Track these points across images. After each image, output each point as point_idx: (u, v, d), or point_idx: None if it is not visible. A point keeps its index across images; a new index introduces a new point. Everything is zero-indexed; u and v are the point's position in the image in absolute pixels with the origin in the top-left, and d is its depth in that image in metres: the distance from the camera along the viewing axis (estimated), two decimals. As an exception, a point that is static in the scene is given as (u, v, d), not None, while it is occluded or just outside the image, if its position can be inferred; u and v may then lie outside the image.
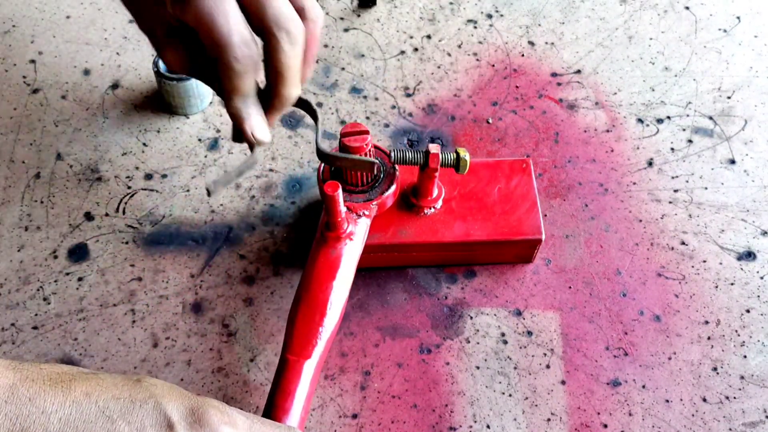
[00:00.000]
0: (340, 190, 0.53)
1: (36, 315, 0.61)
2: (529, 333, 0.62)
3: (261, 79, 0.49)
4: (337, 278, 0.56)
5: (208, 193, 0.50)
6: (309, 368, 0.52)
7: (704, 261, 0.66)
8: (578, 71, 0.77)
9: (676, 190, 0.69)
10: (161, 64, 0.70)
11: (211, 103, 0.73)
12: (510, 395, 0.59)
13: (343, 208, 0.55)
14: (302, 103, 0.54)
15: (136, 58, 0.77)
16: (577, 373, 0.60)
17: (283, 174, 0.69)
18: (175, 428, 0.41)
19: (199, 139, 0.71)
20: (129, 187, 0.68)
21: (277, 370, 0.53)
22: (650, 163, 0.71)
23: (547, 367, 0.60)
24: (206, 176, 0.69)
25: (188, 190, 0.68)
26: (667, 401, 0.59)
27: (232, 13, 0.46)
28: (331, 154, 0.55)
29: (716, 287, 0.64)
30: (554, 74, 0.77)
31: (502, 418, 0.58)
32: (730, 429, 0.58)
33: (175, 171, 0.69)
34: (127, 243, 0.65)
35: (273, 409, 0.51)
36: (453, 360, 0.61)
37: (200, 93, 0.71)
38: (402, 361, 0.60)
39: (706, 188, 0.70)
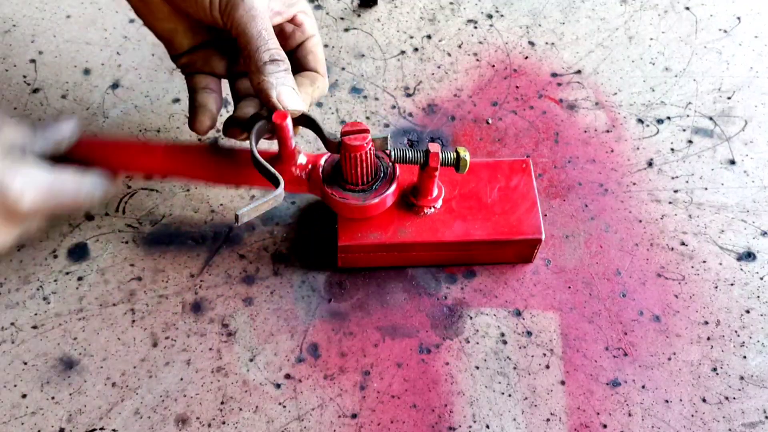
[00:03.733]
0: (289, 120, 0.54)
1: (36, 314, 0.61)
2: (529, 333, 0.62)
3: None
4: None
5: (236, 220, 0.52)
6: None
7: (704, 261, 0.66)
8: (578, 71, 0.77)
9: (676, 191, 0.69)
10: None
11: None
12: (509, 395, 0.59)
13: (293, 139, 0.57)
14: (305, 120, 0.57)
15: (136, 58, 0.77)
16: (576, 374, 0.60)
17: (283, 174, 0.69)
18: None
19: (199, 139, 0.71)
20: (129, 187, 0.68)
21: None
22: (650, 164, 0.71)
23: (547, 367, 0.60)
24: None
25: (188, 190, 0.68)
26: (667, 401, 0.59)
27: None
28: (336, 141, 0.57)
29: (716, 288, 0.64)
30: (554, 74, 0.77)
31: (501, 418, 0.58)
32: (730, 429, 0.58)
33: (175, 171, 0.69)
34: (126, 243, 0.65)
35: None
36: (452, 360, 0.61)
37: None
38: (401, 361, 0.60)
39: (706, 189, 0.70)
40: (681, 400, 0.59)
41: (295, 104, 0.54)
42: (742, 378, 0.60)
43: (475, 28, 0.80)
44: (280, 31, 0.58)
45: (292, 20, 0.58)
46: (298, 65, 0.59)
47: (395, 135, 0.72)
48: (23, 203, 0.51)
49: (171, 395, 0.58)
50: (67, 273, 0.64)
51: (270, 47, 0.53)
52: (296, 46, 0.59)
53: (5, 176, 0.50)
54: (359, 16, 0.81)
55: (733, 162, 0.71)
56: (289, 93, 0.54)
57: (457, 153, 0.58)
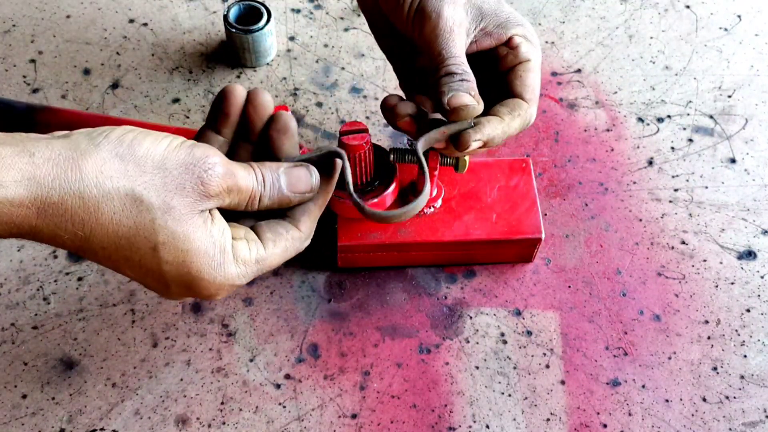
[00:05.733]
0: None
1: (36, 315, 0.61)
2: (529, 333, 0.62)
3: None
4: None
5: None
6: None
7: (704, 260, 0.66)
8: (578, 70, 0.77)
9: (676, 189, 0.69)
10: (230, 15, 0.73)
11: (272, 61, 0.76)
12: (509, 395, 0.59)
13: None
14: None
15: (136, 58, 0.77)
16: (576, 373, 0.60)
17: (282, 174, 0.69)
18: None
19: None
20: (129, 187, 0.68)
21: None
22: (650, 162, 0.71)
23: (547, 366, 0.60)
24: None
25: (188, 190, 0.68)
26: (667, 401, 0.59)
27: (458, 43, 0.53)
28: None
29: (716, 287, 0.64)
30: (554, 73, 0.77)
31: (501, 418, 0.58)
32: (730, 429, 0.58)
33: (175, 171, 0.69)
34: (126, 243, 0.65)
35: None
36: (452, 360, 0.61)
37: (267, 46, 0.75)
38: (401, 361, 0.60)
39: (706, 187, 0.69)
40: (681, 400, 0.59)
41: (463, 100, 0.51)
42: (742, 377, 0.60)
43: (475, 27, 0.80)
44: (492, 54, 0.56)
45: (507, 43, 0.55)
46: (506, 91, 0.56)
47: (395, 135, 0.72)
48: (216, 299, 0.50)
49: (171, 395, 0.58)
50: (67, 273, 0.64)
51: (449, 64, 0.52)
52: (507, 70, 0.56)
53: (209, 284, 0.46)
54: (359, 15, 0.81)
55: (733, 160, 0.71)
56: (460, 96, 0.51)
57: (457, 153, 0.58)
